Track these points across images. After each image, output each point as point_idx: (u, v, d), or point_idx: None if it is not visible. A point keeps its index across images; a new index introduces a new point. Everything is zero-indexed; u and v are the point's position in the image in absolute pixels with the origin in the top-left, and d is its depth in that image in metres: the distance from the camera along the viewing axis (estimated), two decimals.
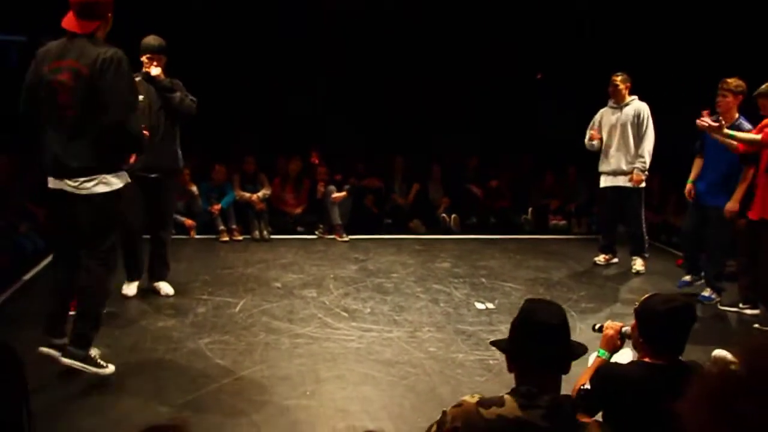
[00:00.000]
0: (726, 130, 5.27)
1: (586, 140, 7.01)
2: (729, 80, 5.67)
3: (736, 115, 5.67)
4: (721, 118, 5.34)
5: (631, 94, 6.80)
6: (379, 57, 9.51)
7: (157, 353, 4.41)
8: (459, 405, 1.98)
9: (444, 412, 2.03)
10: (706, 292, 6.02)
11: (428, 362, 4.44)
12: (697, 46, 8.16)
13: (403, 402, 3.86)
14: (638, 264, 6.99)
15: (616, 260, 7.27)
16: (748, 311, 5.59)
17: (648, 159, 6.65)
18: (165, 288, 5.63)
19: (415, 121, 9.76)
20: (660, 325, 2.39)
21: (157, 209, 5.46)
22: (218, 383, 3.98)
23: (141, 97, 4.56)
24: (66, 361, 3.75)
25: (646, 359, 2.44)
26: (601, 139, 6.91)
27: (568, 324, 2.12)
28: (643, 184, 6.77)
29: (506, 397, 1.95)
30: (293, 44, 9.14)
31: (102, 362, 3.91)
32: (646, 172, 6.71)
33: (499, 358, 4.50)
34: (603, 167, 6.98)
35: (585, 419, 2.15)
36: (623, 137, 6.77)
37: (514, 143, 10.17)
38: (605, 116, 6.94)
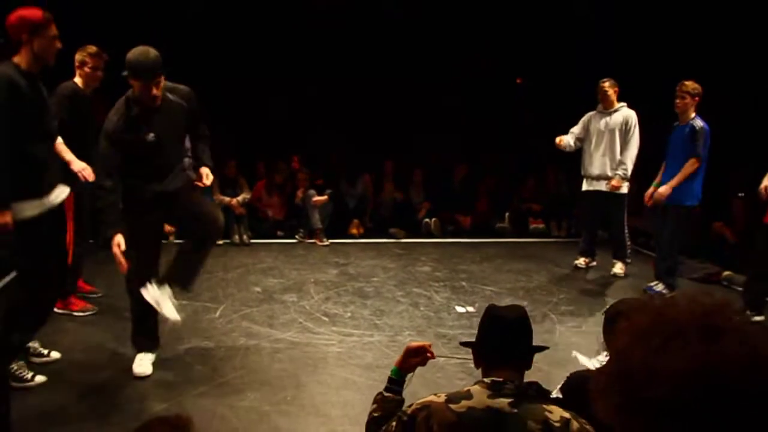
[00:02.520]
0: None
1: (557, 141, 7.04)
2: (687, 83, 6.03)
3: (693, 115, 6.05)
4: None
5: (619, 100, 6.84)
6: (359, 60, 9.51)
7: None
8: (426, 406, 2.00)
9: (403, 412, 2.06)
10: (659, 287, 6.26)
11: None
12: (676, 54, 8.26)
13: None
14: (618, 267, 7.05)
15: (594, 263, 7.33)
16: (756, 318, 5.42)
17: (630, 166, 6.71)
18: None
19: (396, 124, 9.77)
20: None
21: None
22: (198, 389, 3.96)
23: (151, 135, 3.99)
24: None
25: None
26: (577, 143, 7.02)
27: (528, 321, 2.19)
28: (625, 190, 6.81)
29: (473, 389, 2.00)
30: (274, 46, 9.13)
31: None
32: (627, 179, 6.76)
33: None
34: (587, 171, 7.02)
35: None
36: (610, 143, 6.80)
37: (496, 147, 10.21)
38: (593, 121, 6.95)
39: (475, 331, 5.16)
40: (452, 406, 1.94)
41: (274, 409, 3.76)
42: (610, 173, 6.80)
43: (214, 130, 4.75)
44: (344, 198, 8.79)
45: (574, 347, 4.78)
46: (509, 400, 1.93)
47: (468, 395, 1.97)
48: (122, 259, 3.85)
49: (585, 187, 7.08)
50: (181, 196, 4.25)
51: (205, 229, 4.31)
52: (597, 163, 6.90)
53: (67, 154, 4.60)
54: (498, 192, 9.73)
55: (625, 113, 6.77)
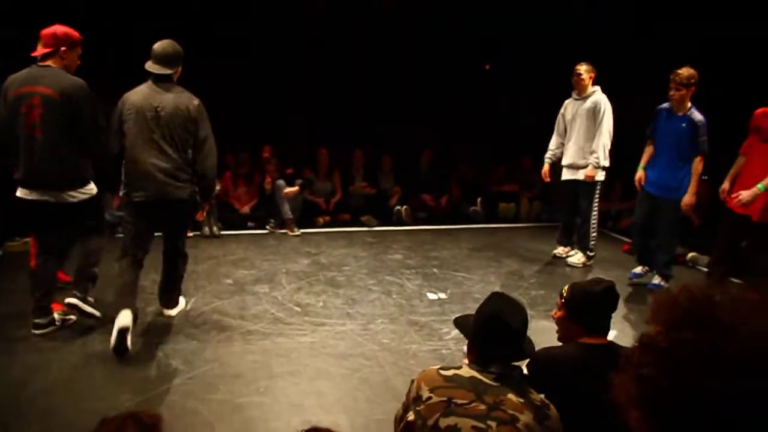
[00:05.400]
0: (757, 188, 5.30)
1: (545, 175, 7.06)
2: (681, 72, 5.71)
3: (689, 105, 5.79)
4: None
5: (594, 84, 6.64)
6: (329, 50, 9.46)
7: (106, 355, 4.30)
8: (423, 372, 2.25)
9: (411, 381, 2.25)
10: (656, 280, 6.15)
11: (382, 354, 4.45)
12: (648, 34, 8.33)
13: (357, 395, 3.86)
14: (576, 258, 6.97)
15: (573, 252, 7.18)
16: None
17: (601, 154, 6.49)
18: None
19: (362, 112, 9.74)
20: (596, 306, 2.54)
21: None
22: (169, 383, 3.92)
23: None
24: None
25: (582, 340, 2.53)
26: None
27: (527, 326, 2.35)
28: (600, 177, 6.64)
29: (463, 365, 2.25)
30: (240, 38, 9.02)
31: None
32: (601, 168, 6.57)
33: (452, 347, 4.54)
34: (563, 160, 6.90)
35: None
36: (579, 131, 6.65)
37: (467, 134, 10.23)
38: (568, 108, 6.81)
39: (447, 318, 5.22)
40: (441, 371, 2.19)
41: (246, 401, 3.74)
42: (579, 161, 6.68)
43: None
44: (314, 192, 8.76)
45: (545, 330, 4.83)
46: (494, 376, 2.15)
47: (458, 367, 2.22)
48: None
49: (562, 176, 6.95)
50: None
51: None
52: (569, 151, 6.78)
53: None
54: (469, 178, 9.80)
55: (594, 99, 6.54)
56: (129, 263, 4.53)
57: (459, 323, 2.51)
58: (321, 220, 8.58)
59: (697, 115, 5.73)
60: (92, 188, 4.54)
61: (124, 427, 1.45)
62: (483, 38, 10.08)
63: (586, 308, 2.56)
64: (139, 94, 4.41)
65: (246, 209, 8.37)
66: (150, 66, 4.43)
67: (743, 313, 0.90)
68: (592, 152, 6.55)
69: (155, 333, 4.69)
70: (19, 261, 5.82)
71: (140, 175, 4.38)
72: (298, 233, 7.95)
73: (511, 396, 2.06)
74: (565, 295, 2.66)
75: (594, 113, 6.54)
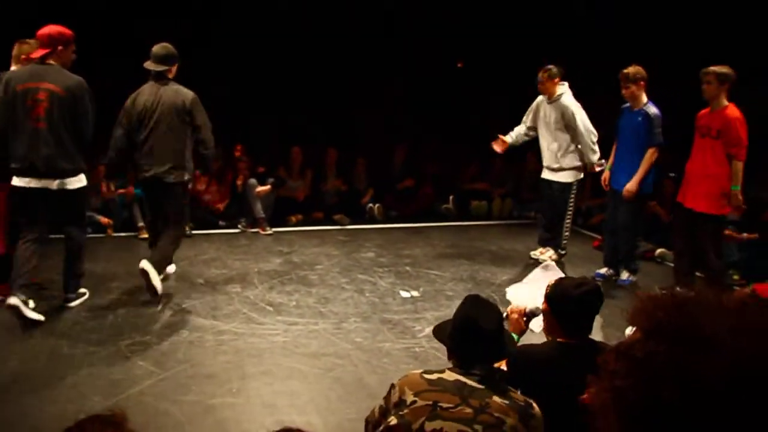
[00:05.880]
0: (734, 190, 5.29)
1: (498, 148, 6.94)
2: (627, 71, 5.83)
3: (644, 100, 5.89)
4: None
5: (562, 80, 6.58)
6: (297, 47, 9.42)
7: (76, 357, 4.25)
8: (405, 376, 2.25)
9: (392, 385, 2.25)
10: (624, 275, 6.23)
11: (355, 353, 4.46)
12: (615, 28, 8.41)
13: (330, 394, 3.86)
14: (546, 254, 6.92)
15: (546, 250, 7.09)
16: None
17: (591, 155, 6.48)
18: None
19: (337, 110, 9.72)
20: (574, 308, 2.52)
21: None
22: (141, 385, 3.88)
23: None
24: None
25: (560, 339, 2.55)
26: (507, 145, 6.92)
27: (503, 326, 2.41)
28: (579, 177, 6.68)
29: (447, 369, 2.26)
30: (213, 34, 8.95)
31: None
32: (597, 161, 6.54)
33: (425, 345, 4.57)
34: (543, 159, 6.87)
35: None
36: (550, 136, 6.65)
37: (441, 132, 10.24)
38: (540, 108, 6.73)
39: (420, 315, 5.24)
40: (425, 375, 2.20)
41: (219, 401, 3.72)
42: (552, 164, 6.68)
43: None
44: (288, 190, 8.72)
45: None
46: (477, 378, 2.17)
47: (441, 371, 2.23)
48: None
49: (542, 175, 6.93)
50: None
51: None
52: (545, 154, 6.78)
53: None
54: (442, 176, 9.82)
55: (560, 105, 6.49)
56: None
57: (437, 333, 2.52)
58: (293, 218, 8.55)
59: (653, 109, 5.86)
60: (83, 178, 4.92)
61: (91, 427, 1.43)
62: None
63: (563, 309, 2.54)
64: (143, 93, 5.22)
65: (220, 207, 8.31)
66: (148, 64, 5.24)
67: (724, 326, 0.86)
68: (588, 160, 6.54)
69: (126, 333, 4.65)
70: None
71: (145, 160, 5.25)
72: (270, 232, 7.91)
73: (495, 398, 2.09)
74: (547, 290, 2.66)
75: (563, 120, 6.51)
